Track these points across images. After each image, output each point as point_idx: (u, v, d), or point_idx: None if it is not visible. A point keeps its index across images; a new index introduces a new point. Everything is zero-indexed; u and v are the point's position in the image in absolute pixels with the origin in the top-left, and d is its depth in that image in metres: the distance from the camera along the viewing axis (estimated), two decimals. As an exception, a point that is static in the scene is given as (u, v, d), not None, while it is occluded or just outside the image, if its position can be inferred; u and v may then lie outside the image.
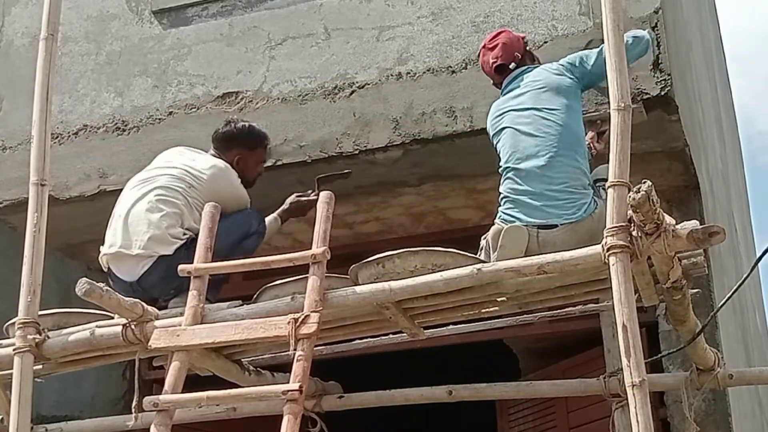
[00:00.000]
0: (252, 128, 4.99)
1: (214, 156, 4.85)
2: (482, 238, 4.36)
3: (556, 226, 4.14)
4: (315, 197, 4.63)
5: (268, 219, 4.91)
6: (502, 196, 4.32)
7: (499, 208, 4.31)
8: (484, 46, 4.76)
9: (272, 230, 4.91)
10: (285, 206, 4.98)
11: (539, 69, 4.58)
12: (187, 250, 4.43)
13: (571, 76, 4.46)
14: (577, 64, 4.53)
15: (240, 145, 4.90)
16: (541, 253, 3.89)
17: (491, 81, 4.76)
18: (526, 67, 4.62)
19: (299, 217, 4.98)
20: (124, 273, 4.49)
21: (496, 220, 4.28)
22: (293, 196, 4.98)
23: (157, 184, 4.65)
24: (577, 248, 3.68)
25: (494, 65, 4.65)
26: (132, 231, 4.54)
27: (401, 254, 3.99)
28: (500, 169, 4.38)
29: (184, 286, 4.36)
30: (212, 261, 4.18)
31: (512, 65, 4.62)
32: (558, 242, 4.06)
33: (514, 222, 4.19)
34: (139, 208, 4.58)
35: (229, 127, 4.94)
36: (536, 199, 4.19)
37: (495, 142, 4.49)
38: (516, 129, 4.38)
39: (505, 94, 4.58)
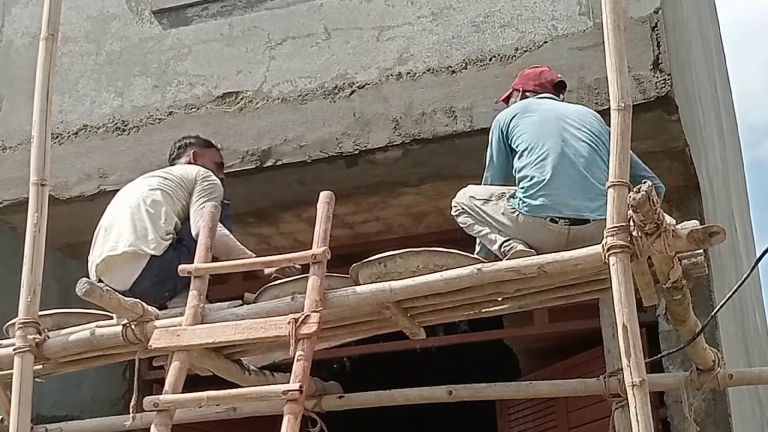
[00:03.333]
0: (200, 136, 5.20)
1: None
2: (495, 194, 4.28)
3: (587, 221, 4.09)
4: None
5: (241, 246, 4.58)
6: (533, 177, 4.16)
7: (523, 195, 4.16)
8: (548, 66, 4.81)
9: (234, 251, 4.50)
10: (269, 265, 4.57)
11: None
12: (174, 251, 4.46)
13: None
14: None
15: (193, 145, 5.06)
16: (568, 249, 3.85)
17: (516, 90, 4.68)
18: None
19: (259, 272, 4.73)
20: (116, 282, 4.45)
21: (516, 212, 4.16)
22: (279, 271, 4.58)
23: (137, 194, 4.68)
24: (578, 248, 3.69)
25: (560, 79, 4.68)
26: (117, 235, 4.56)
27: (403, 254, 3.99)
28: (531, 146, 4.23)
29: (177, 287, 4.38)
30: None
31: (562, 97, 4.65)
32: (588, 238, 3.96)
33: (540, 215, 4.10)
34: (122, 216, 4.61)
35: (180, 141, 5.12)
36: (575, 188, 4.11)
37: (516, 124, 4.35)
38: (560, 117, 4.32)
39: (537, 98, 4.54)
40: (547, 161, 4.17)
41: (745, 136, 40.99)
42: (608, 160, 4.19)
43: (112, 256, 4.53)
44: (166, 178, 4.71)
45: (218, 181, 4.78)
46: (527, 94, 4.61)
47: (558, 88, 4.66)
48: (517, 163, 4.29)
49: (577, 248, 3.78)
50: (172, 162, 5.03)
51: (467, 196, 4.36)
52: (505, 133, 4.40)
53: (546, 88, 4.62)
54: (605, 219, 3.97)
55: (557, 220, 4.10)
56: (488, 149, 4.47)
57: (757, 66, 40.70)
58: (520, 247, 4.06)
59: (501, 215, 4.21)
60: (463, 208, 4.36)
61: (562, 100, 4.63)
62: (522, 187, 4.19)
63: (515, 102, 4.61)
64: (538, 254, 3.95)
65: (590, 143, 4.25)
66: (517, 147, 4.31)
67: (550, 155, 4.18)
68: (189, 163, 4.93)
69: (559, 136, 4.23)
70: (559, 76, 4.71)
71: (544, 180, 4.13)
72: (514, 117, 4.40)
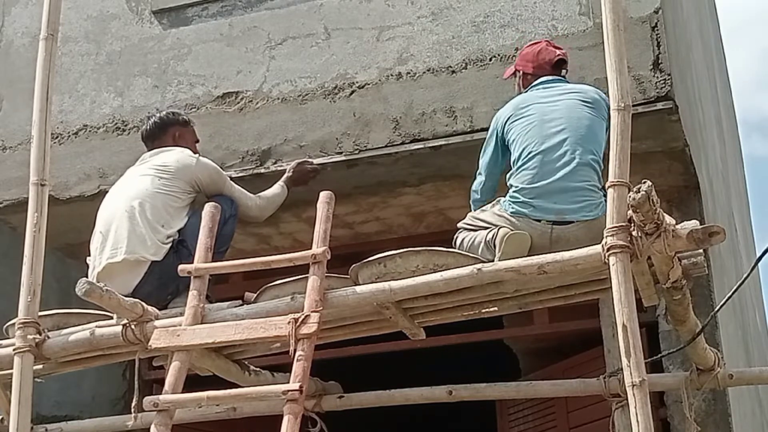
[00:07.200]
0: (175, 110, 5.15)
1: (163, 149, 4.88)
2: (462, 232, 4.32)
3: (571, 222, 4.11)
4: (318, 165, 5.22)
5: (273, 189, 5.02)
6: (518, 186, 4.22)
7: (510, 199, 4.21)
8: (546, 42, 4.73)
9: (279, 199, 5.02)
10: (289, 173, 5.16)
11: (583, 85, 4.57)
12: (175, 254, 4.45)
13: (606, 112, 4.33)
14: None
15: (174, 124, 4.98)
16: (552, 250, 3.88)
17: (525, 74, 4.63)
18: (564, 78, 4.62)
19: (303, 185, 5.15)
20: (118, 287, 4.37)
21: (504, 212, 4.20)
22: (295, 162, 5.21)
23: (132, 194, 4.64)
24: (579, 248, 3.69)
25: (558, 57, 4.60)
26: (115, 241, 4.54)
27: (403, 254, 3.99)
28: (517, 156, 4.29)
29: (180, 288, 4.37)
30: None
31: (564, 72, 4.61)
32: (572, 239, 4.01)
33: (525, 216, 4.13)
34: (118, 220, 4.58)
35: (156, 117, 5.02)
36: (555, 193, 4.13)
37: (509, 129, 4.38)
38: (544, 121, 4.31)
39: (533, 91, 4.51)
40: (529, 170, 4.21)
41: (733, 134, 40.84)
42: (594, 149, 4.25)
43: (112, 264, 4.51)
44: (161, 177, 4.64)
45: (214, 165, 4.82)
46: (528, 76, 4.61)
47: (558, 67, 4.60)
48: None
49: (561, 248, 3.81)
50: (152, 140, 4.94)
51: (467, 216, 4.40)
52: (500, 134, 4.45)
53: (544, 69, 4.58)
54: (588, 220, 4.03)
55: (540, 219, 4.13)
56: (486, 141, 4.54)
57: (745, 61, 40.71)
58: (505, 230, 4.08)
59: (491, 216, 4.25)
60: (460, 228, 4.37)
61: (564, 78, 4.58)
62: (510, 194, 4.24)
63: (517, 83, 4.65)
64: (525, 254, 3.96)
65: (571, 143, 4.23)
66: (511, 150, 4.37)
67: (533, 164, 4.21)
68: (173, 144, 4.86)
69: (542, 143, 4.24)
70: (559, 52, 4.64)
71: (528, 188, 4.17)
72: (508, 119, 4.42)
